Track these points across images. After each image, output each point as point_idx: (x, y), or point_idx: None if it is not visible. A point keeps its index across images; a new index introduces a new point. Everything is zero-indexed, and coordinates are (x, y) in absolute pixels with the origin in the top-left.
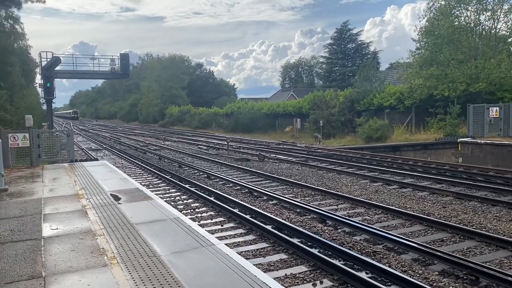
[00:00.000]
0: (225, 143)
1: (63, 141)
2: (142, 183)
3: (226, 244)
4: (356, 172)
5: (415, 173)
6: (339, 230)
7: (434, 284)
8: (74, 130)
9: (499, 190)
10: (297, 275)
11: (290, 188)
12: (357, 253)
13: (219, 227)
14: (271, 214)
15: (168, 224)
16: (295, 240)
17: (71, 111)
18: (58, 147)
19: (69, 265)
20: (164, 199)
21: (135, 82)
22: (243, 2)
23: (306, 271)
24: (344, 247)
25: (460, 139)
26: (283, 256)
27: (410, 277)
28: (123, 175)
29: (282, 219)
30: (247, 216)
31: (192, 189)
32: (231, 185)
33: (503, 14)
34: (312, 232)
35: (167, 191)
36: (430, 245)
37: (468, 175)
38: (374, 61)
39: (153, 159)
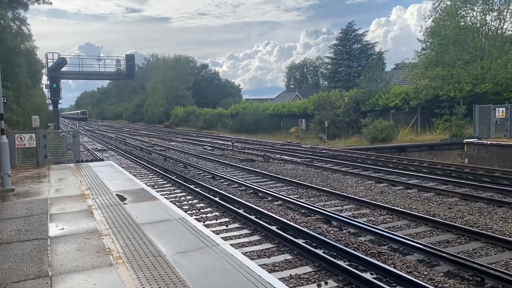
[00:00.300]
0: (230, 143)
1: (69, 141)
2: (148, 184)
3: (231, 245)
4: (361, 173)
5: (420, 174)
6: (344, 231)
7: (440, 286)
8: (80, 130)
9: (505, 191)
10: (302, 276)
11: (295, 188)
12: (362, 254)
13: (224, 227)
14: (276, 215)
15: (173, 225)
16: (300, 241)
17: (79, 111)
18: (64, 147)
19: (75, 265)
20: (169, 200)
21: (141, 82)
22: (248, 2)
23: (311, 272)
24: (349, 247)
25: (466, 140)
26: (288, 256)
27: (415, 278)
28: (128, 175)
29: (287, 219)
30: (252, 217)
31: (197, 189)
32: (236, 185)
33: (509, 14)
34: (317, 233)
35: (172, 192)
36: (435, 246)
37: (474, 176)
38: (379, 61)
39: (158, 160)
